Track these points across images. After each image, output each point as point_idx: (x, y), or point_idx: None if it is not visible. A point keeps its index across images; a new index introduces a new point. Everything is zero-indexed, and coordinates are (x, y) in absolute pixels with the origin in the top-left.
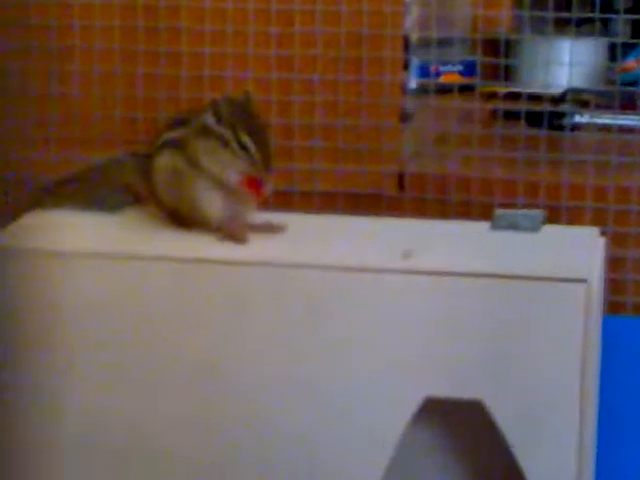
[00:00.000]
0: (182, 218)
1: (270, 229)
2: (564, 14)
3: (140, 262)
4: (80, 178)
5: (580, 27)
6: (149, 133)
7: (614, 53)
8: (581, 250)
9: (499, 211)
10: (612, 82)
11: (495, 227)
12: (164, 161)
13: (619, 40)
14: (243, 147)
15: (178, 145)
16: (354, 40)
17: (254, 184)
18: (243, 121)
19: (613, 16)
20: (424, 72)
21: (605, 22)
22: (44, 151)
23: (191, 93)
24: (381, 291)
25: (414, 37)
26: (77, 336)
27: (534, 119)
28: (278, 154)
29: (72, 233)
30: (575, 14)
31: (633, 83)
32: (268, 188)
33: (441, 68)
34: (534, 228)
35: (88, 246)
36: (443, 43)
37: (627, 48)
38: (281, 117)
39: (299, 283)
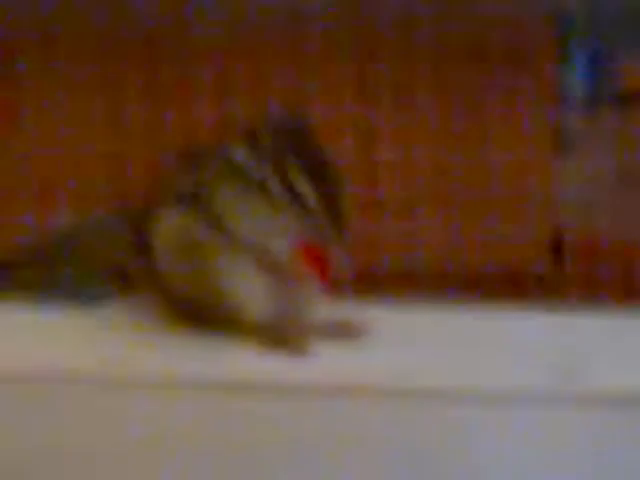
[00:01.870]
0: (202, 313)
1: (346, 332)
2: None
3: (135, 391)
4: (44, 253)
5: None
6: (148, 180)
7: None
8: None
9: None
10: None
11: None
12: (172, 224)
13: None
14: (298, 198)
15: (193, 198)
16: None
17: (318, 259)
18: (296, 154)
19: None
20: (595, 69)
21: None
22: None
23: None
24: (533, 425)
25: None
26: None
27: None
28: (357, 210)
29: (24, 343)
30: None
31: None
32: (341, 266)
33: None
34: None
35: (47, 365)
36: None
37: None
38: (362, 150)
39: (389, 415)
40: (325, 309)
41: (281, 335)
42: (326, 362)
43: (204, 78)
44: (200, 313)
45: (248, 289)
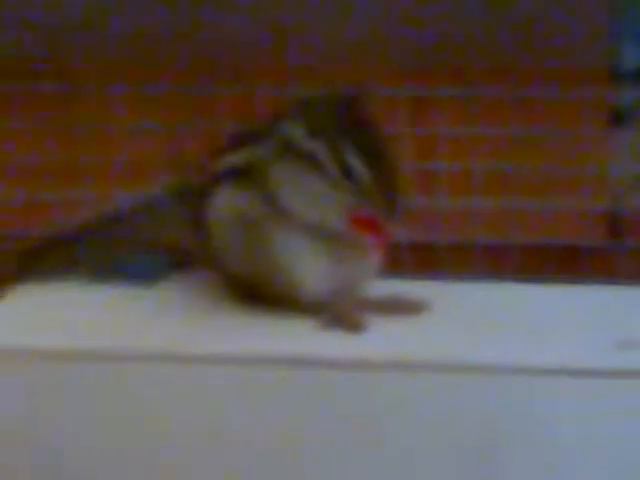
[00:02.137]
0: (258, 291)
1: (402, 308)
2: None
3: (196, 366)
4: (94, 231)
5: None
6: (201, 155)
7: None
8: None
9: None
10: None
11: None
12: (227, 202)
13: None
14: (350, 172)
15: (248, 175)
16: None
17: (373, 228)
18: (350, 131)
19: None
20: None
21: None
22: (34, 186)
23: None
24: (587, 398)
25: None
26: None
27: None
28: (411, 184)
29: (85, 321)
30: None
31: None
32: (396, 241)
33: None
34: None
35: (105, 344)
36: None
37: None
38: (416, 125)
39: (449, 391)
40: (381, 285)
41: (338, 311)
42: (381, 339)
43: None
44: (257, 290)
45: (305, 266)
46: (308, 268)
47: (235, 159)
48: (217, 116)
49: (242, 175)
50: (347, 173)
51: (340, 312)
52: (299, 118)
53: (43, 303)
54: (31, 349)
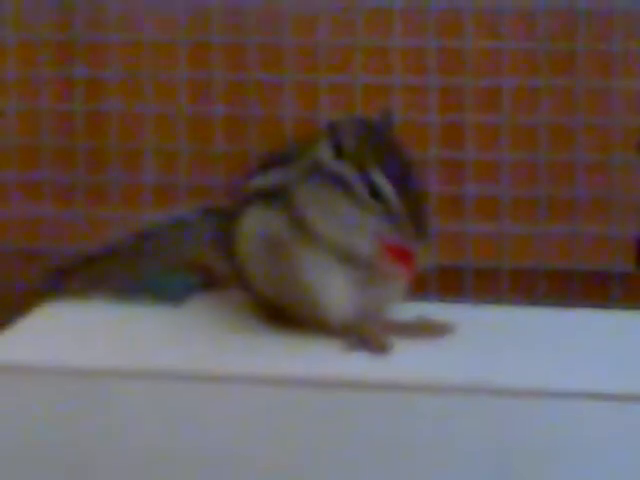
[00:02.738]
0: (285, 312)
1: (429, 331)
2: None
3: (221, 385)
4: (122, 250)
5: None
6: (231, 177)
7: None
8: None
9: None
10: None
11: None
12: (256, 223)
13: None
14: (378, 194)
15: (276, 197)
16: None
17: (402, 256)
18: (378, 154)
19: None
20: None
21: None
22: (64, 204)
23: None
24: (613, 426)
25: None
26: None
27: None
28: (440, 209)
29: (108, 339)
30: None
31: None
32: (425, 265)
33: None
34: None
35: (132, 362)
36: None
37: None
38: (444, 147)
39: (473, 414)
40: (408, 308)
41: (364, 333)
42: (408, 361)
43: (290, 77)
44: (284, 311)
45: (332, 288)
46: (335, 290)
47: (265, 181)
48: (248, 137)
49: (271, 197)
50: (376, 195)
51: (366, 334)
52: (328, 141)
53: (69, 321)
54: (54, 366)
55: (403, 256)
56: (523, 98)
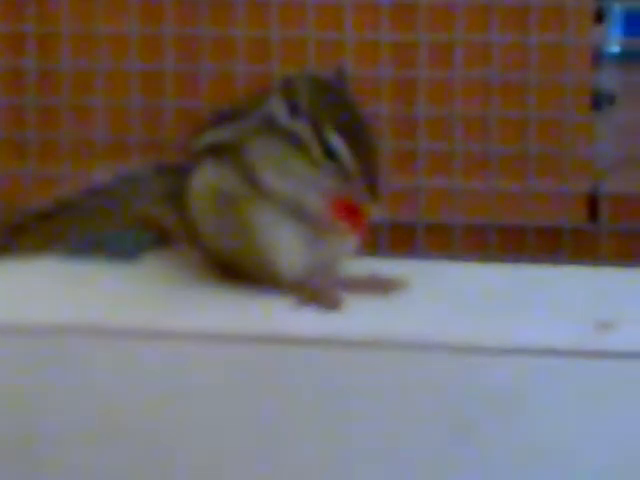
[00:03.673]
0: (237, 268)
1: (378, 287)
2: None
3: (172, 342)
4: (74, 207)
5: None
6: (183, 133)
7: None
8: None
9: None
10: None
11: None
12: (207, 178)
13: None
14: (332, 153)
15: (228, 152)
16: None
17: (352, 213)
18: (333, 112)
19: None
20: (633, 26)
21: None
22: (17, 163)
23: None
24: (568, 381)
25: None
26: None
27: None
28: (392, 164)
29: (60, 295)
30: None
31: None
32: (373, 218)
33: None
34: None
35: (85, 319)
36: None
37: None
38: (397, 102)
39: (424, 369)
40: (359, 263)
41: (315, 289)
42: (359, 316)
43: (242, 31)
44: (235, 267)
45: (282, 244)
46: (286, 247)
47: (216, 136)
48: (199, 93)
49: (223, 152)
50: (329, 154)
51: (317, 290)
52: (283, 98)
53: (21, 278)
54: (6, 324)
55: (353, 213)
56: (476, 54)
